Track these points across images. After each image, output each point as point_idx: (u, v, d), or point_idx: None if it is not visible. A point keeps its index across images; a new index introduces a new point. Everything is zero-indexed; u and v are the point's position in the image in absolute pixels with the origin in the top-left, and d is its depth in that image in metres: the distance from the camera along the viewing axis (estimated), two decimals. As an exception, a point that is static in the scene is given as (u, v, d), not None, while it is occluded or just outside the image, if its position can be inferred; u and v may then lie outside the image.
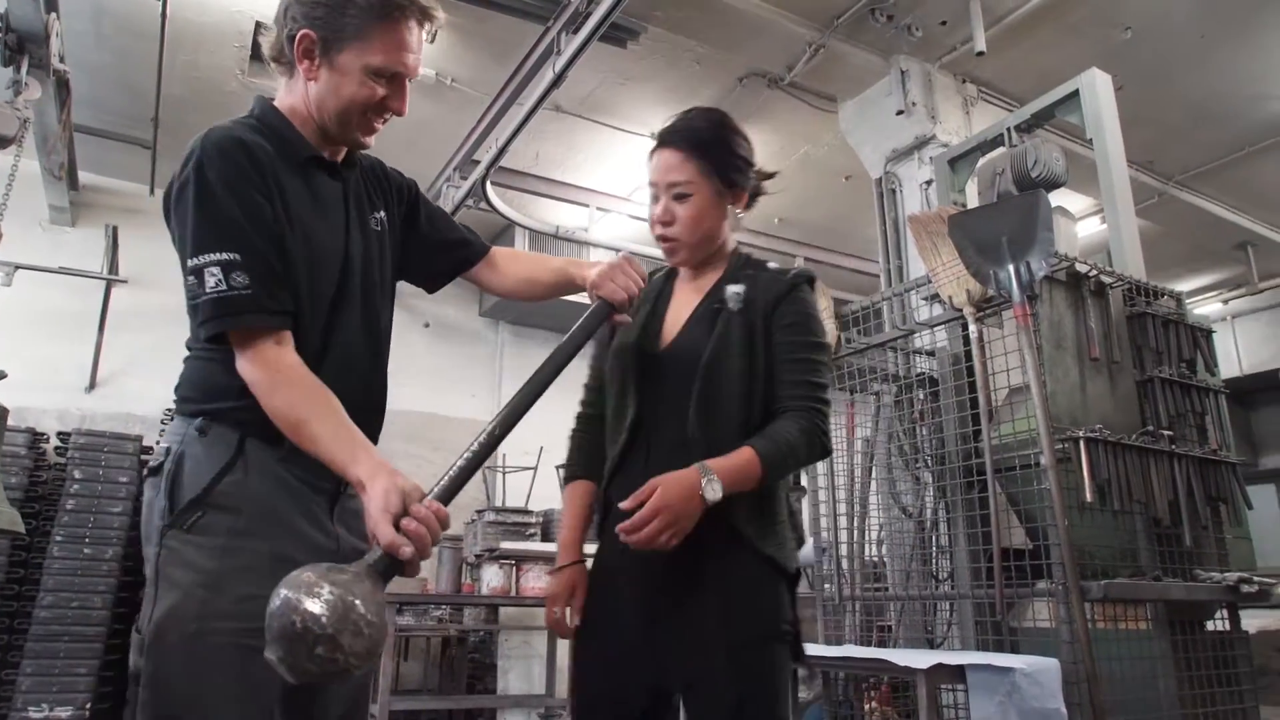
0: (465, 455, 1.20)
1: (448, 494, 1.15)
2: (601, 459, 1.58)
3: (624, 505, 1.31)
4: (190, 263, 1.24)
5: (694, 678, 1.41)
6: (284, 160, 1.36)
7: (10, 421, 3.48)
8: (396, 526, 1.08)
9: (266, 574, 1.08)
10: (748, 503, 1.42)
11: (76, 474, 4.66)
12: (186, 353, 1.37)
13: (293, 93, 1.41)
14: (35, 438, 4.83)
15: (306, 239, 1.33)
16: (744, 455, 1.38)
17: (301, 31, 1.34)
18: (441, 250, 1.69)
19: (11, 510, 3.22)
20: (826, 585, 3.39)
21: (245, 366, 1.23)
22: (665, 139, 1.56)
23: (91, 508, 4.61)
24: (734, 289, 1.54)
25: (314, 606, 0.97)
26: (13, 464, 4.39)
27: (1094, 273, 2.93)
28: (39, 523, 4.52)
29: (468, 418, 6.96)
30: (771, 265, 1.61)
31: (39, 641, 4.29)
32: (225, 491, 1.24)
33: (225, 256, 1.22)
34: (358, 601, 0.99)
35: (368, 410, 1.38)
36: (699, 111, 1.62)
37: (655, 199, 1.57)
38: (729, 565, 1.42)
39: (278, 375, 1.22)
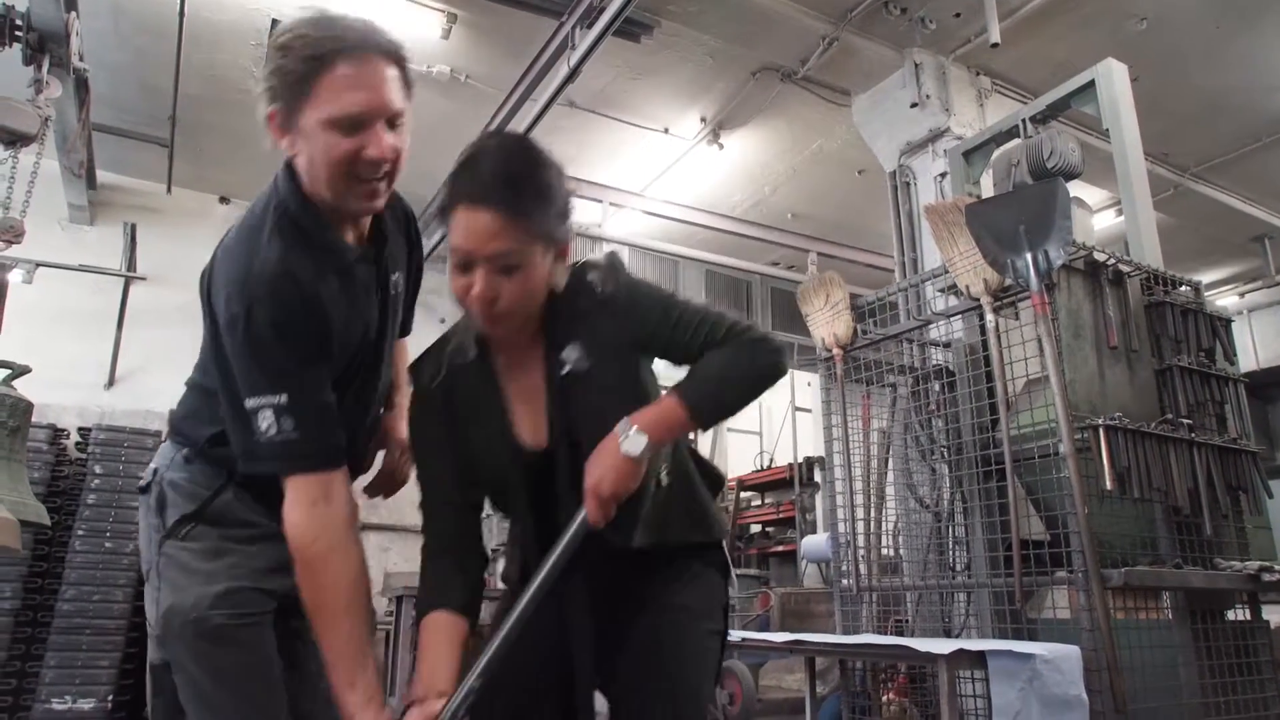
0: (463, 690, 1.20)
1: (454, 716, 1.18)
2: (470, 589, 1.35)
3: (592, 517, 1.26)
4: (246, 402, 1.29)
5: (619, 649, 1.33)
6: (325, 268, 1.34)
7: (32, 418, 3.53)
8: None
9: (248, 570, 1.33)
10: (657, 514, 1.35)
11: (97, 469, 4.71)
12: (199, 356, 1.44)
13: (301, 174, 1.36)
14: (56, 434, 4.89)
15: (342, 333, 1.37)
16: (665, 402, 1.31)
17: (268, 110, 1.31)
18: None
19: (37, 504, 3.26)
20: (844, 579, 3.38)
21: (288, 510, 1.28)
22: (477, 196, 1.22)
23: (112, 502, 4.66)
24: (570, 354, 1.32)
25: None
26: (35, 459, 4.44)
27: (1112, 261, 2.92)
28: (61, 517, 4.58)
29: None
30: (583, 291, 1.34)
31: (61, 634, 4.34)
32: (214, 510, 1.39)
33: (276, 400, 1.27)
34: None
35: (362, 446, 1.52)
36: (507, 152, 1.29)
37: (465, 267, 1.24)
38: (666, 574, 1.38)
39: (314, 542, 1.26)
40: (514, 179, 1.24)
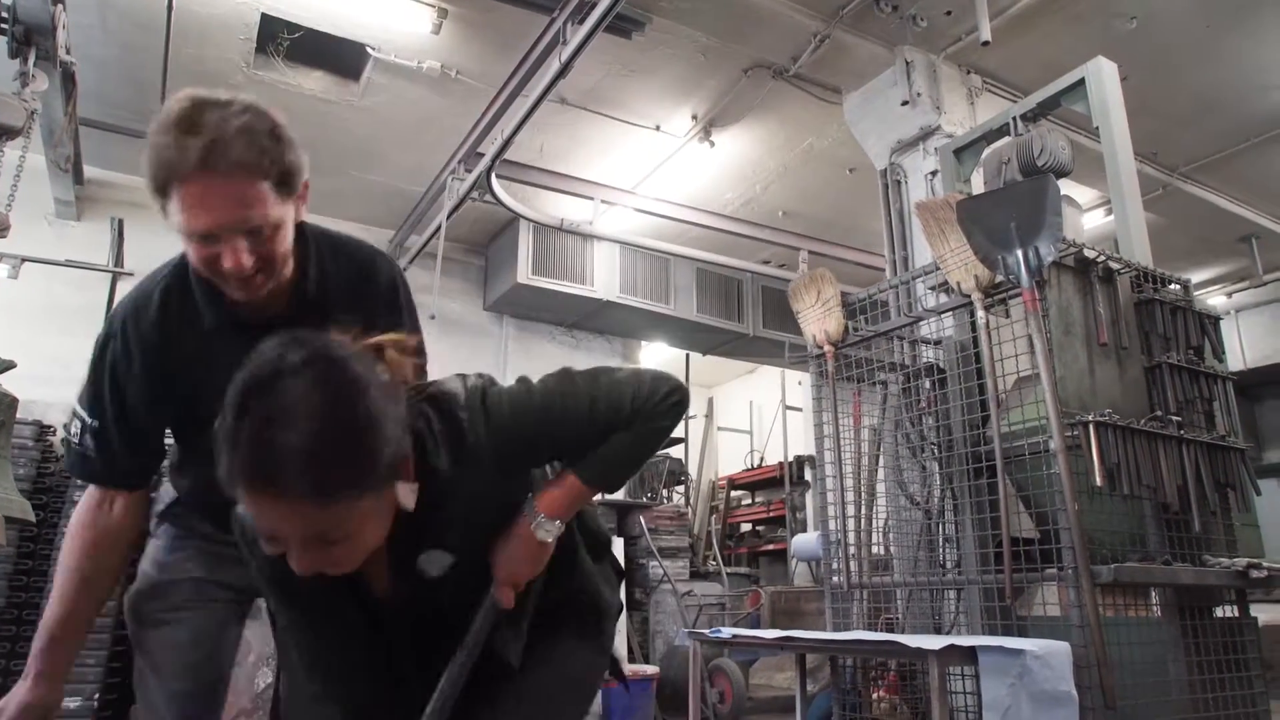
0: None
1: None
2: None
3: (505, 601, 1.23)
4: (75, 404, 1.52)
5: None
6: (191, 327, 1.45)
7: (18, 414, 3.49)
8: None
9: (201, 563, 1.61)
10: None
11: (83, 466, 4.67)
12: None
13: None
14: (42, 430, 4.84)
15: (201, 386, 1.39)
16: (567, 482, 1.26)
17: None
18: None
19: (22, 500, 3.23)
20: (835, 576, 3.39)
21: (80, 503, 1.55)
22: (275, 485, 0.98)
23: (98, 499, 4.63)
24: (431, 563, 1.20)
25: None
26: (20, 455, 4.40)
27: (1102, 259, 2.93)
28: (46, 514, 4.53)
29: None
30: (436, 486, 1.16)
31: (47, 632, 4.30)
32: (174, 513, 1.67)
33: (88, 420, 1.49)
34: None
35: None
36: (309, 407, 0.99)
37: (273, 539, 1.06)
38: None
39: (74, 526, 1.53)
40: (322, 456, 0.97)
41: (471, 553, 1.23)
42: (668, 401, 1.26)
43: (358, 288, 1.51)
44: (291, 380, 0.98)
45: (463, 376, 1.25)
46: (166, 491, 1.69)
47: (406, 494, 1.10)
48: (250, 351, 1.33)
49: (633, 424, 1.24)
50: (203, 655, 1.56)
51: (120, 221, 5.84)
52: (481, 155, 5.40)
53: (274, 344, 1.03)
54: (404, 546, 1.18)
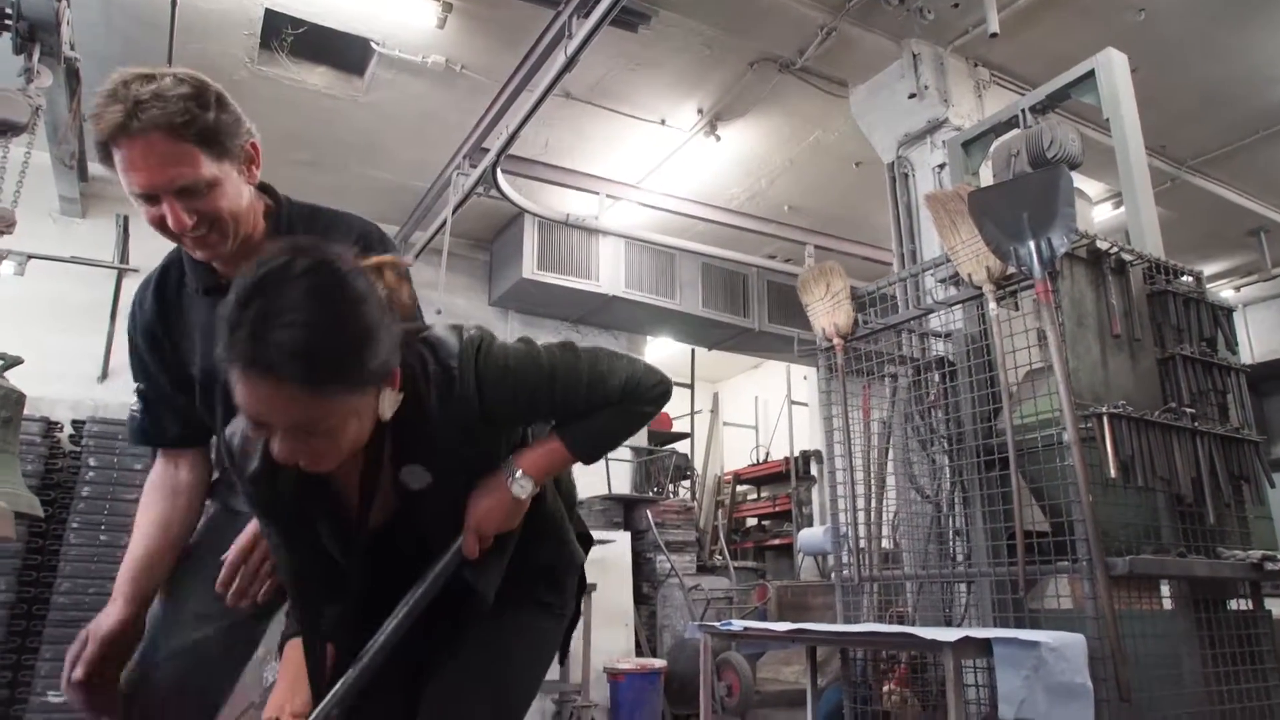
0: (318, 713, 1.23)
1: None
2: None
3: (468, 549, 1.28)
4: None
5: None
6: (181, 298, 1.57)
7: (25, 410, 3.49)
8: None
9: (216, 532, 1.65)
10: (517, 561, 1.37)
11: (91, 461, 4.68)
12: None
13: None
14: (50, 426, 4.85)
15: (183, 362, 1.57)
16: (551, 446, 1.34)
17: None
18: None
19: (30, 495, 3.22)
20: (845, 570, 3.38)
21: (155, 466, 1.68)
22: (264, 366, 1.04)
23: (107, 495, 4.63)
24: (412, 476, 1.25)
25: None
26: (28, 452, 4.40)
27: (1115, 250, 2.92)
28: (55, 510, 4.54)
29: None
30: (421, 396, 1.23)
31: (57, 627, 4.31)
32: (215, 489, 1.76)
33: (137, 386, 1.63)
34: None
35: None
36: (305, 301, 1.06)
37: (258, 425, 1.13)
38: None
39: (150, 482, 1.65)
40: (315, 344, 1.03)
41: (448, 485, 1.27)
42: (656, 390, 1.36)
43: None
44: (295, 279, 1.05)
45: (458, 327, 1.29)
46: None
47: (389, 404, 1.16)
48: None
49: (621, 402, 1.32)
50: (213, 630, 1.57)
51: (125, 218, 5.83)
52: (486, 150, 5.39)
53: (280, 248, 1.09)
54: (387, 458, 1.24)
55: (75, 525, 4.51)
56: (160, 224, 1.38)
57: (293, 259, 1.07)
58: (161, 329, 1.57)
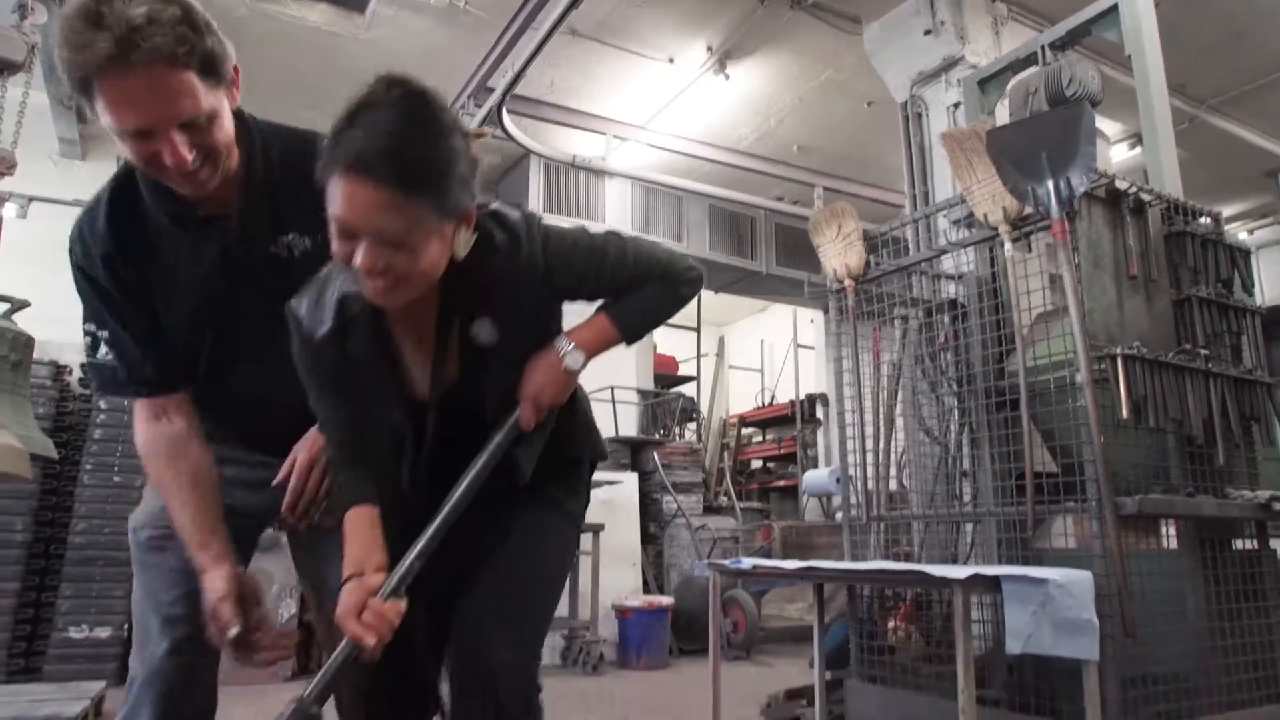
0: (402, 567, 1.28)
1: (395, 591, 1.26)
2: (383, 492, 1.39)
3: (525, 420, 1.36)
4: (84, 325, 1.46)
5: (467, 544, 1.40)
6: (140, 229, 1.39)
7: (34, 353, 3.49)
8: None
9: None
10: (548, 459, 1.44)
11: (102, 404, 4.71)
12: None
13: None
14: (59, 370, 4.86)
15: (171, 289, 1.42)
16: (598, 322, 1.42)
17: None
18: None
19: (43, 437, 3.25)
20: (853, 509, 3.41)
21: (134, 425, 1.49)
22: (360, 166, 1.12)
23: (118, 437, 4.67)
24: (480, 331, 1.32)
25: None
26: (39, 395, 4.42)
27: (1133, 190, 2.87)
28: (68, 452, 4.58)
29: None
30: (493, 258, 1.30)
31: (75, 566, 4.39)
32: None
33: (97, 331, 1.44)
34: None
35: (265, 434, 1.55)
36: (400, 115, 1.15)
37: (346, 235, 1.17)
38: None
39: (145, 449, 1.47)
40: (407, 150, 1.13)
41: (510, 348, 1.34)
42: (692, 272, 1.47)
43: (306, 176, 1.38)
44: (396, 101, 1.15)
45: (517, 205, 1.39)
46: None
47: (463, 243, 1.25)
48: (205, 248, 1.38)
49: (663, 279, 1.43)
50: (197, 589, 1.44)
51: (127, 160, 5.76)
52: (491, 90, 5.30)
53: (382, 79, 1.18)
54: (456, 303, 1.31)
55: (89, 467, 4.56)
56: (154, 160, 1.25)
57: (394, 85, 1.16)
58: (122, 261, 1.39)
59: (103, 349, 1.43)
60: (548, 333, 1.41)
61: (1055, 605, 2.22)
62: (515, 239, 1.31)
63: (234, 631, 1.32)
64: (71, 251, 1.41)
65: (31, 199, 5.04)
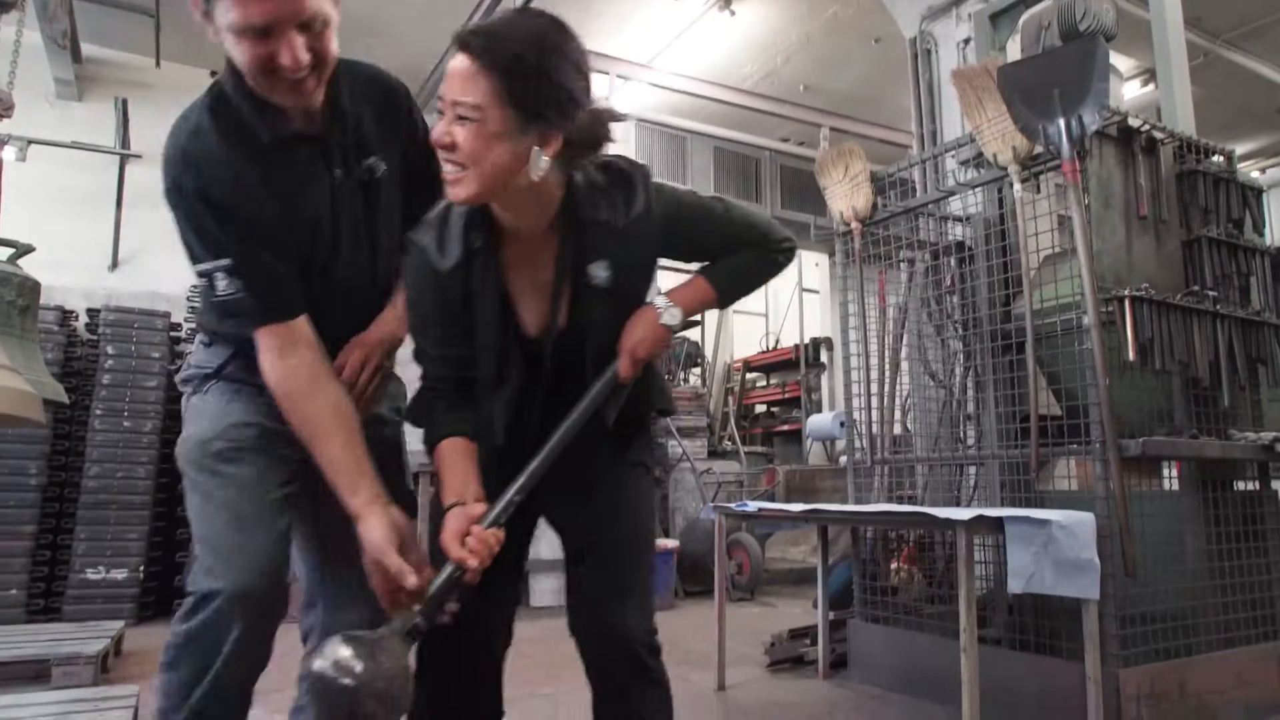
0: (505, 499, 1.32)
1: (496, 521, 1.29)
2: (475, 425, 1.42)
3: (624, 371, 1.40)
4: (196, 268, 1.37)
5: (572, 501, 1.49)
6: (256, 148, 1.36)
7: (40, 298, 3.49)
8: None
9: (259, 409, 1.45)
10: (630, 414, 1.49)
11: (109, 350, 4.73)
12: None
13: None
14: (65, 315, 4.87)
15: (284, 209, 1.39)
16: (697, 283, 1.48)
17: None
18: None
19: (54, 382, 3.27)
20: (857, 453, 3.43)
21: (260, 359, 1.40)
22: (464, 42, 1.21)
23: (127, 382, 4.70)
24: (598, 271, 1.37)
25: (348, 681, 1.12)
26: (47, 340, 4.44)
27: (1146, 128, 2.82)
28: (77, 397, 4.62)
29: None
30: (607, 205, 1.36)
31: (89, 509, 4.45)
32: (228, 372, 1.52)
33: (222, 263, 1.35)
34: (386, 679, 1.15)
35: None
36: (523, 16, 1.28)
37: (441, 113, 1.26)
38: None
39: (285, 386, 1.38)
40: (504, 38, 1.21)
41: (616, 295, 1.39)
42: (786, 243, 1.51)
43: (380, 107, 1.48)
44: (521, 9, 1.31)
45: (631, 159, 1.45)
46: (200, 355, 1.54)
47: (537, 165, 1.25)
48: (306, 167, 1.38)
49: (760, 245, 1.48)
50: (275, 501, 1.42)
51: (124, 101, 5.69)
52: (492, 28, 5.18)
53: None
54: (572, 243, 1.36)
55: (99, 412, 4.60)
56: (268, 64, 1.25)
57: (538, 12, 1.28)
58: (239, 181, 1.35)
59: (222, 284, 1.35)
60: (648, 285, 1.45)
61: (1057, 546, 2.25)
62: (631, 189, 1.37)
63: (411, 582, 1.25)
64: (180, 181, 1.33)
65: (30, 142, 5.00)
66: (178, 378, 1.60)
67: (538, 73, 1.21)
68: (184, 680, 1.34)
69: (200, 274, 1.37)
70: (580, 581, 1.48)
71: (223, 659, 1.32)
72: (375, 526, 1.29)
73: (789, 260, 1.53)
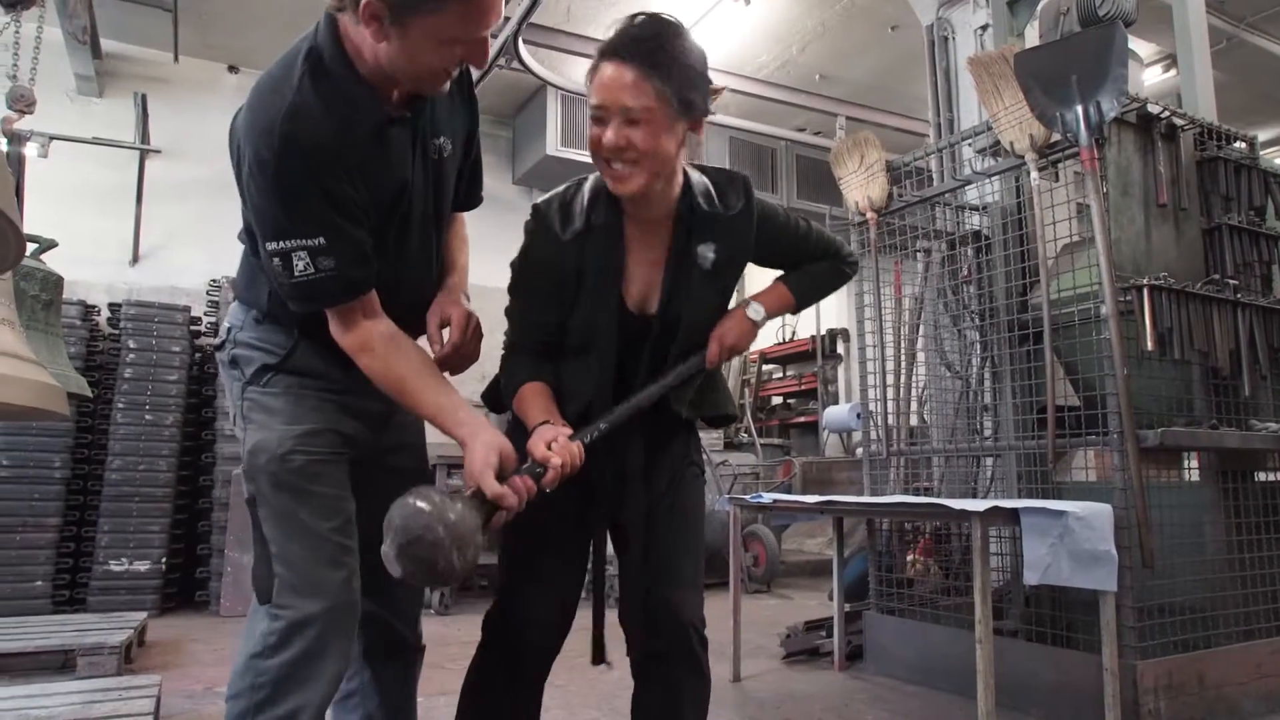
0: (592, 427, 1.44)
1: (582, 439, 1.40)
2: (553, 381, 1.53)
3: (711, 356, 1.55)
4: (271, 245, 1.32)
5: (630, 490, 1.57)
6: (357, 120, 1.34)
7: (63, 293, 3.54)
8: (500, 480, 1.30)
9: (325, 413, 1.44)
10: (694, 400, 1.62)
11: (131, 344, 4.78)
12: (234, 238, 1.50)
13: (360, 35, 1.29)
14: (87, 310, 4.93)
15: (375, 190, 1.39)
16: (778, 287, 1.66)
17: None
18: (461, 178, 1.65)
19: (78, 376, 3.32)
20: (874, 444, 3.42)
21: (339, 334, 1.39)
22: (614, 52, 1.37)
23: (149, 376, 4.76)
24: (706, 251, 1.51)
25: (440, 522, 1.21)
26: (69, 334, 4.49)
27: (1166, 114, 2.79)
28: (100, 391, 4.68)
29: (502, 287, 6.97)
30: (716, 198, 1.52)
31: (112, 502, 4.52)
32: (292, 363, 1.47)
33: (311, 242, 1.31)
34: (471, 531, 1.24)
35: (423, 306, 1.55)
36: (654, 22, 1.41)
37: (599, 120, 1.39)
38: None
39: (370, 350, 1.39)
40: (651, 41, 1.37)
41: (716, 279, 1.53)
42: (852, 258, 1.72)
43: (450, 89, 1.48)
44: (649, 15, 1.41)
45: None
46: (251, 331, 1.48)
47: (685, 149, 1.45)
48: (394, 146, 1.40)
49: (833, 258, 1.67)
50: (351, 514, 1.44)
51: (144, 97, 5.73)
52: (507, 19, 5.17)
53: (642, 12, 1.42)
54: (688, 225, 1.50)
55: (121, 405, 4.66)
56: (451, 69, 1.34)
57: (649, 13, 1.42)
58: (341, 156, 1.32)
59: (301, 263, 1.30)
60: (736, 279, 1.59)
61: (1074, 537, 2.23)
62: (738, 191, 1.53)
63: (510, 502, 1.31)
64: (279, 157, 1.27)
65: (52, 138, 5.05)
66: (221, 354, 1.52)
67: (684, 67, 1.39)
68: (288, 713, 1.34)
69: (274, 253, 1.31)
70: (636, 569, 1.56)
71: (326, 684, 1.38)
72: (475, 450, 1.33)
73: (854, 273, 1.72)
